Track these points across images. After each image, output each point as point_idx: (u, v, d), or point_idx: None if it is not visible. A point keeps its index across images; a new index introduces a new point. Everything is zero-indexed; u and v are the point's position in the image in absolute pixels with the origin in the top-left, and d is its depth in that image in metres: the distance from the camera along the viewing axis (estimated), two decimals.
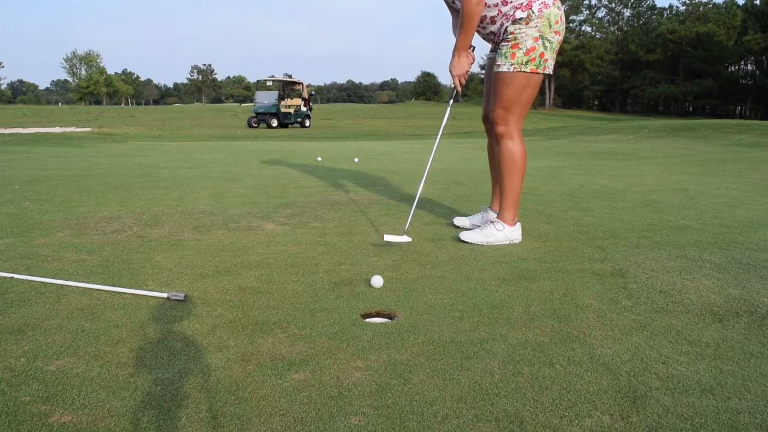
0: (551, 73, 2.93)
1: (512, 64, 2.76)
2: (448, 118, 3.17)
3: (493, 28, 2.85)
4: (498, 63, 2.82)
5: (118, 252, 2.68)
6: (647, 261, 2.54)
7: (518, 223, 2.95)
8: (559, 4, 2.79)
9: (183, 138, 17.05)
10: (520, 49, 2.73)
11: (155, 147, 10.03)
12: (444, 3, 3.05)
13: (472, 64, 2.93)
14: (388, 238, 2.76)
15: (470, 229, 3.01)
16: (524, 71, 2.76)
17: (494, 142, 3.00)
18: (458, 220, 3.28)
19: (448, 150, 8.88)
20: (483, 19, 2.84)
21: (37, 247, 2.74)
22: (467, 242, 2.86)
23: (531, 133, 16.05)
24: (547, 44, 2.75)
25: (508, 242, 2.87)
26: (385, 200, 4.07)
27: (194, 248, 2.76)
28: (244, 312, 1.96)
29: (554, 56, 2.84)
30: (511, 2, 2.75)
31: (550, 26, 2.72)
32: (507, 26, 2.77)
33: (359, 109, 63.82)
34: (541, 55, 2.75)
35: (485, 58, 3.17)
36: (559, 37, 2.82)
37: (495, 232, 2.88)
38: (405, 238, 2.81)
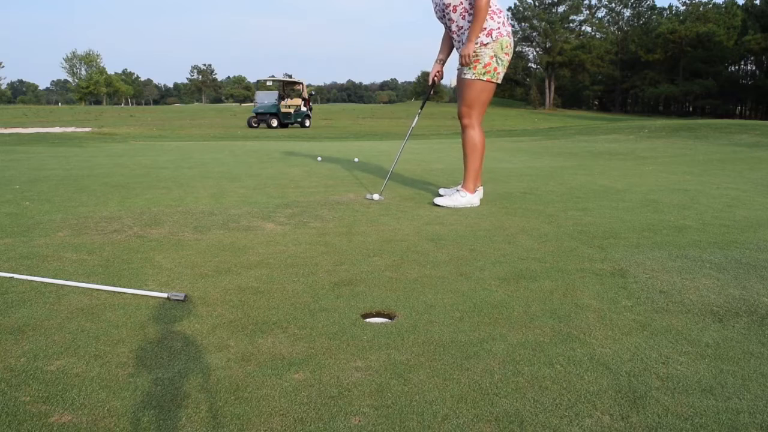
0: (499, 82, 3.92)
1: (474, 74, 3.78)
2: (419, 119, 4.40)
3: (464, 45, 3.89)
4: (464, 73, 3.83)
5: (118, 252, 2.68)
6: (647, 261, 2.54)
7: (479, 190, 3.96)
8: (509, 31, 3.83)
9: (183, 138, 17.05)
10: (480, 63, 3.75)
11: (155, 147, 10.03)
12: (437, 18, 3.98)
13: (441, 75, 4.19)
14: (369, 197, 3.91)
15: (442, 196, 3.99)
16: (482, 80, 3.79)
17: (461, 131, 3.99)
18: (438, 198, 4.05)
19: (448, 149, 8.87)
20: (461, 38, 3.82)
21: (37, 247, 2.74)
22: (438, 205, 3.81)
23: (531, 133, 16.05)
24: (499, 61, 3.77)
25: (469, 206, 3.79)
26: (385, 200, 4.07)
27: (194, 248, 2.76)
28: (244, 312, 1.96)
29: (504, 70, 3.84)
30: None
31: (502, 49, 3.74)
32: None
33: (359, 109, 63.86)
34: (495, 69, 3.78)
35: (456, 70, 4.06)
36: (508, 58, 3.85)
37: (460, 198, 3.83)
38: (378, 197, 4.01)
